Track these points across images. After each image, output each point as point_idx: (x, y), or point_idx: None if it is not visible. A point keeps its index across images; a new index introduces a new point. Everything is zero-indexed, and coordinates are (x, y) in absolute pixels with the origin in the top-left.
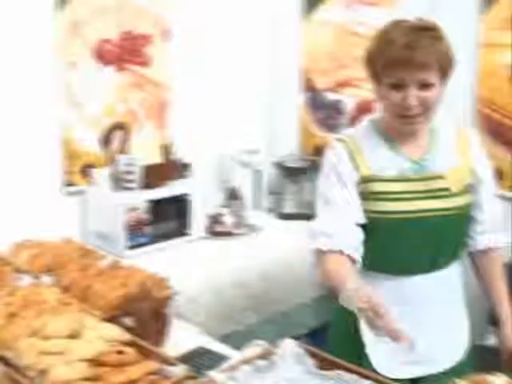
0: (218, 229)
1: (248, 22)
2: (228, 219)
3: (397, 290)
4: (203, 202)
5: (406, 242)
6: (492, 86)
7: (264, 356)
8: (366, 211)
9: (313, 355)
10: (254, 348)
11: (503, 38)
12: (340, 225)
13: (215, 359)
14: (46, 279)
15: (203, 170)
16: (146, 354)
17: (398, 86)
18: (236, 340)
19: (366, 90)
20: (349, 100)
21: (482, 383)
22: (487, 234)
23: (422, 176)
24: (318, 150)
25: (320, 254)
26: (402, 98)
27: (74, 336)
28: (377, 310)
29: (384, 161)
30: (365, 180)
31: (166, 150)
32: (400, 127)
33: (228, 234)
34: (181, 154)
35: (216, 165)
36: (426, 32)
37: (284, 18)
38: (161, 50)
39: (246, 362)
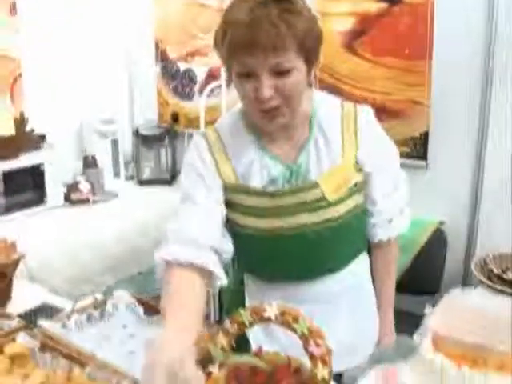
0: (76, 196)
1: None
2: (85, 187)
3: (297, 293)
4: (61, 171)
5: (287, 255)
6: (328, 52)
7: (97, 306)
8: (234, 222)
9: (142, 303)
10: (88, 299)
11: (337, 7)
12: (202, 226)
13: (55, 313)
14: None
15: (61, 140)
16: None
17: (249, 75)
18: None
19: (214, 59)
20: (199, 69)
21: (259, 311)
22: (381, 227)
23: (292, 188)
24: (174, 118)
25: (168, 265)
26: (253, 90)
27: None
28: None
29: (251, 165)
30: (229, 189)
31: (19, 121)
32: (261, 124)
33: (85, 201)
34: (37, 125)
35: (74, 135)
36: (277, 6)
37: None
38: (8, 25)
39: (79, 311)
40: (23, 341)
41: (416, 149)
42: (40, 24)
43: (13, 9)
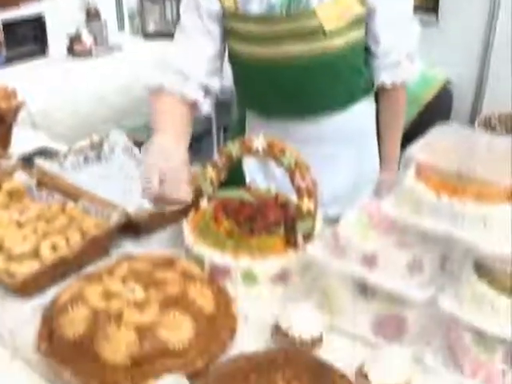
0: (78, 48)
1: None
2: (88, 39)
3: (296, 132)
4: (63, 23)
5: (282, 87)
6: None
7: (93, 147)
8: (231, 49)
9: (138, 145)
10: (85, 141)
11: None
12: (191, 59)
13: (54, 155)
14: None
15: None
16: None
17: None
18: None
19: None
20: None
21: (248, 142)
22: (385, 70)
23: (289, 14)
24: None
25: (158, 90)
26: None
27: None
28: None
29: None
30: (227, 15)
31: None
32: None
33: (88, 53)
34: None
35: None
36: None
37: None
38: None
39: (75, 152)
40: (20, 178)
41: (426, 1)
42: None
43: None
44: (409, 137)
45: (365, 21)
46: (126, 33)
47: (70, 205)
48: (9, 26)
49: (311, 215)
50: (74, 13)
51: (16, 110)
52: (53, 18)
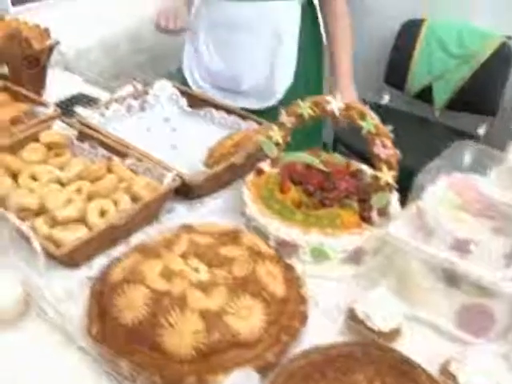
0: None
1: None
2: None
3: (219, 14)
4: None
5: None
6: None
7: (137, 96)
8: None
9: (185, 94)
10: (127, 88)
11: None
12: None
13: (92, 102)
14: None
15: None
16: (19, 98)
17: None
18: None
19: None
20: None
21: (322, 102)
22: None
23: None
24: None
25: None
26: None
27: None
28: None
29: None
30: None
31: None
32: None
33: None
34: None
35: None
36: None
37: None
38: None
39: (118, 101)
40: (59, 129)
41: None
42: None
43: None
44: (465, 97)
45: None
46: None
47: (116, 162)
48: None
49: (389, 188)
50: None
51: (49, 51)
52: None
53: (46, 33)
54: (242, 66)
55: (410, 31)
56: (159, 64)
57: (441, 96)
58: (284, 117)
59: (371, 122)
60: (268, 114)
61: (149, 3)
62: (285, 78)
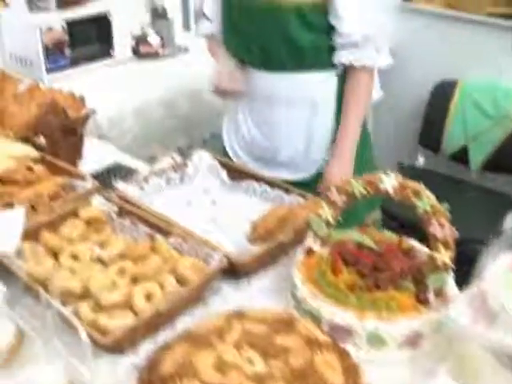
0: (145, 49)
1: None
2: (154, 39)
3: (246, 82)
4: (128, 22)
5: (242, 28)
6: None
7: (176, 168)
8: None
9: (226, 166)
10: (167, 161)
11: None
12: (212, 8)
13: (129, 174)
14: None
15: None
16: (56, 170)
17: None
18: None
19: None
20: None
21: (375, 180)
22: (348, 49)
23: None
24: None
25: (204, 35)
26: None
27: None
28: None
29: None
30: None
31: None
32: None
33: (155, 54)
34: None
35: None
36: None
37: None
38: None
39: (157, 174)
40: (99, 204)
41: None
42: None
43: None
44: (501, 157)
45: None
46: (191, 33)
47: (160, 240)
48: (73, 26)
49: (446, 269)
50: (139, 11)
51: (85, 120)
52: (118, 17)
53: (81, 101)
54: (278, 136)
55: (443, 92)
56: (193, 130)
57: (477, 157)
58: (335, 195)
59: (427, 200)
60: (305, 185)
61: (181, 72)
62: (321, 149)
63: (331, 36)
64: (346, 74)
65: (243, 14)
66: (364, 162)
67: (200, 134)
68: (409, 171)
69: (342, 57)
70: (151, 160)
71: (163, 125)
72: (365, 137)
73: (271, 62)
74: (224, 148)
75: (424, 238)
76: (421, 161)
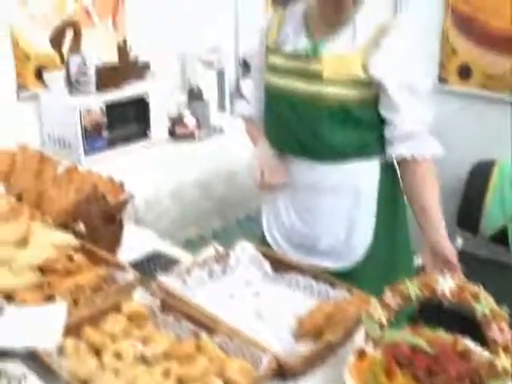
0: (181, 131)
1: None
2: (190, 121)
3: (298, 174)
4: (164, 103)
5: (283, 119)
6: None
7: (218, 260)
8: (266, 81)
9: (269, 258)
10: (209, 252)
11: None
12: (254, 93)
13: (170, 264)
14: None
15: (164, 70)
16: (96, 259)
17: None
18: (200, 246)
19: None
20: None
21: (431, 283)
22: (405, 142)
23: (296, 54)
24: None
25: (242, 116)
26: None
27: (21, 244)
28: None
29: (291, 35)
30: (267, 50)
31: (122, 48)
32: (327, 13)
33: (191, 135)
34: (139, 53)
35: (178, 64)
36: None
37: None
38: None
39: (200, 265)
40: (141, 298)
41: None
42: None
43: None
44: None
45: (368, 86)
46: (226, 113)
47: (205, 339)
48: (111, 107)
49: (507, 374)
50: (175, 92)
51: (124, 205)
52: (155, 98)
53: (120, 186)
54: (319, 224)
55: (481, 172)
56: (227, 212)
57: None
58: (389, 296)
59: (486, 303)
60: (346, 275)
61: (217, 153)
62: (364, 239)
63: (381, 128)
64: (402, 164)
65: (286, 104)
66: (401, 245)
67: (234, 216)
68: None
69: (401, 149)
70: (188, 243)
71: (198, 206)
72: (402, 220)
73: (313, 154)
74: (262, 233)
75: (477, 330)
76: (459, 242)
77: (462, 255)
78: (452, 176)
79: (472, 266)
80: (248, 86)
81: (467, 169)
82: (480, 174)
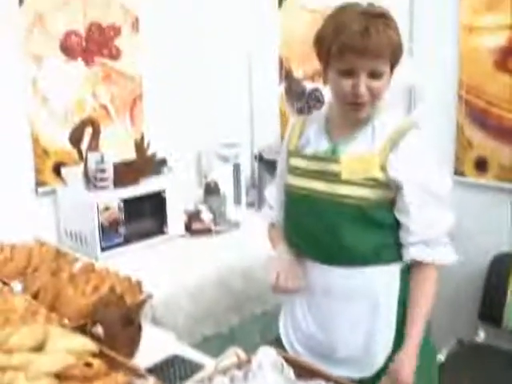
0: (197, 226)
1: (223, 10)
2: (207, 216)
3: (316, 277)
4: (181, 198)
5: (302, 219)
6: (476, 71)
7: (240, 365)
8: (286, 182)
9: (291, 363)
10: (230, 356)
11: (486, 21)
12: (276, 198)
13: (190, 368)
14: (16, 285)
15: (181, 165)
16: (114, 365)
17: (349, 73)
18: (218, 343)
19: None
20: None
21: None
22: (418, 246)
23: (316, 156)
24: None
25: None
26: (352, 86)
27: (38, 348)
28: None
29: (312, 139)
30: (288, 154)
31: (139, 145)
32: (346, 113)
33: (207, 231)
34: (156, 149)
35: (194, 159)
36: (379, 19)
37: (260, 5)
38: (130, 42)
39: (221, 372)
40: None
41: None
42: (162, 42)
43: (135, 25)
44: None
45: (386, 187)
46: (242, 207)
47: None
48: (128, 203)
49: None
50: (192, 187)
51: (142, 305)
52: (172, 193)
53: (138, 286)
54: (337, 332)
55: (502, 264)
56: (244, 307)
57: None
58: None
59: None
60: (369, 382)
61: (233, 248)
62: (384, 347)
63: (396, 232)
64: (411, 267)
65: (305, 204)
66: (422, 347)
67: (251, 311)
68: (469, 348)
69: (413, 254)
70: (205, 340)
71: (216, 302)
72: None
73: (331, 255)
74: (278, 334)
75: None
76: (481, 336)
77: (485, 349)
78: (473, 269)
79: (495, 359)
80: (271, 193)
81: (488, 261)
82: (501, 266)
